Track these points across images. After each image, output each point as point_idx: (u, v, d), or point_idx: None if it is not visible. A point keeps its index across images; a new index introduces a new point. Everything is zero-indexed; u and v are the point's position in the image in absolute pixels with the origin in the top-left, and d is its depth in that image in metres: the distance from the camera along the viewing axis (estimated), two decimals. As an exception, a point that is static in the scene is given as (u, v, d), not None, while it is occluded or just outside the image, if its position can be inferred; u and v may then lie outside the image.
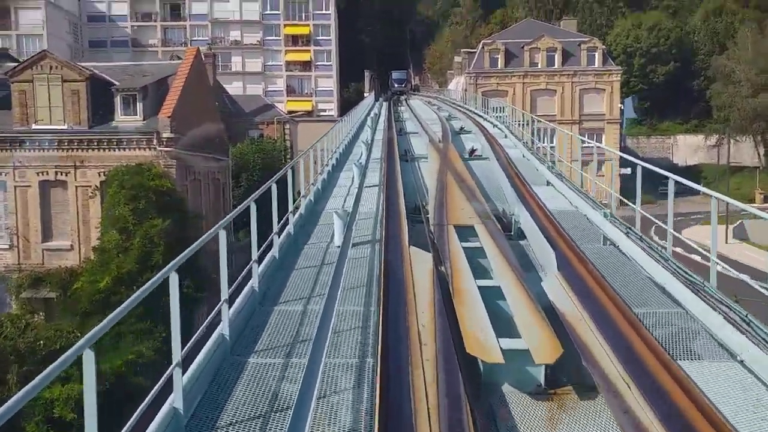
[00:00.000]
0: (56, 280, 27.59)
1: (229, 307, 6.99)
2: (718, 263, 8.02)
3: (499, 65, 65.76)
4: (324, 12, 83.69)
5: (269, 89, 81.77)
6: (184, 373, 5.53)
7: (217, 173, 36.06)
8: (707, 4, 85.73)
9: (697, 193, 10.68)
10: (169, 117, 28.58)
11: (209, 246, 6.90)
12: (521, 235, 12.13)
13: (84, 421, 4.06)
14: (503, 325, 7.32)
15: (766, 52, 70.72)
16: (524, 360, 6.49)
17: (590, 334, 7.06)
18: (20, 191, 29.00)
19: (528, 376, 6.44)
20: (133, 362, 21.40)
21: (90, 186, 28.84)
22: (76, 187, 28.98)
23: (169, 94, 29.75)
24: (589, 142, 16.49)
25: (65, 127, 28.93)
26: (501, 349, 6.56)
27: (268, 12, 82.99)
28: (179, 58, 35.74)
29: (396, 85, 77.70)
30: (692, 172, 67.89)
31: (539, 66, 65.46)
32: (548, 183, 17.18)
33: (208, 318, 6.52)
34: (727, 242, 44.09)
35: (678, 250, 10.01)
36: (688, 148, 79.09)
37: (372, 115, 40.72)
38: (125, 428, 4.41)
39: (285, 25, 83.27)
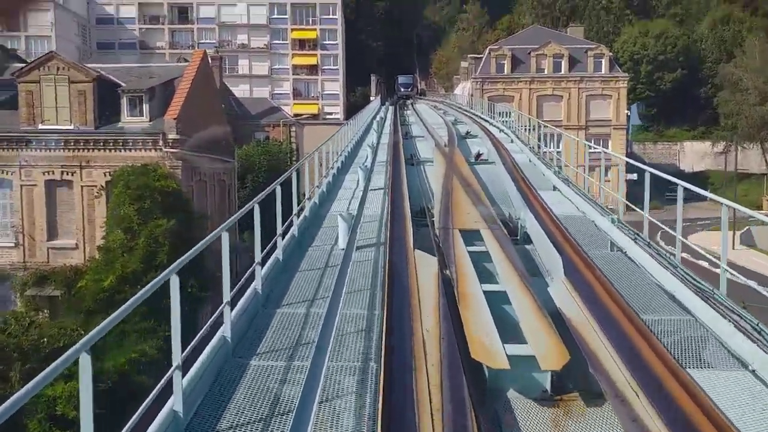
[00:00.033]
0: (61, 279, 27.66)
1: (232, 309, 6.91)
2: (727, 270, 7.91)
3: (505, 71, 65.70)
4: (331, 17, 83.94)
5: (276, 92, 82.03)
6: (185, 374, 5.46)
7: (222, 174, 36.06)
8: (715, 12, 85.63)
9: (703, 198, 10.56)
10: (175, 118, 28.61)
11: (214, 245, 6.85)
12: (527, 239, 12.02)
13: (80, 422, 4.00)
14: (509, 331, 7.22)
15: (774, 60, 70.59)
16: (530, 366, 6.39)
17: (598, 340, 6.95)
18: (26, 190, 29.08)
19: (534, 382, 6.35)
20: (137, 361, 21.36)
21: (95, 186, 28.88)
22: (82, 186, 29.03)
23: (176, 95, 29.79)
24: (596, 148, 16.38)
25: (71, 127, 28.98)
26: (507, 354, 6.46)
27: (275, 16, 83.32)
28: (186, 61, 35.76)
29: (402, 90, 77.79)
30: (699, 178, 67.72)
31: (546, 72, 65.37)
32: (555, 188, 17.05)
33: (210, 320, 6.45)
34: (734, 248, 43.93)
35: (684, 255, 9.88)
36: (695, 154, 78.87)
37: (378, 118, 40.68)
38: (124, 430, 4.35)
39: (292, 30, 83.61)
